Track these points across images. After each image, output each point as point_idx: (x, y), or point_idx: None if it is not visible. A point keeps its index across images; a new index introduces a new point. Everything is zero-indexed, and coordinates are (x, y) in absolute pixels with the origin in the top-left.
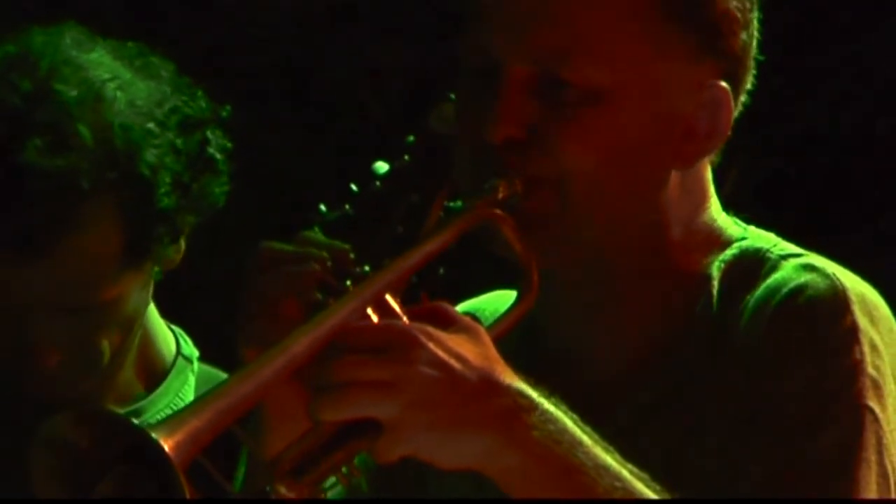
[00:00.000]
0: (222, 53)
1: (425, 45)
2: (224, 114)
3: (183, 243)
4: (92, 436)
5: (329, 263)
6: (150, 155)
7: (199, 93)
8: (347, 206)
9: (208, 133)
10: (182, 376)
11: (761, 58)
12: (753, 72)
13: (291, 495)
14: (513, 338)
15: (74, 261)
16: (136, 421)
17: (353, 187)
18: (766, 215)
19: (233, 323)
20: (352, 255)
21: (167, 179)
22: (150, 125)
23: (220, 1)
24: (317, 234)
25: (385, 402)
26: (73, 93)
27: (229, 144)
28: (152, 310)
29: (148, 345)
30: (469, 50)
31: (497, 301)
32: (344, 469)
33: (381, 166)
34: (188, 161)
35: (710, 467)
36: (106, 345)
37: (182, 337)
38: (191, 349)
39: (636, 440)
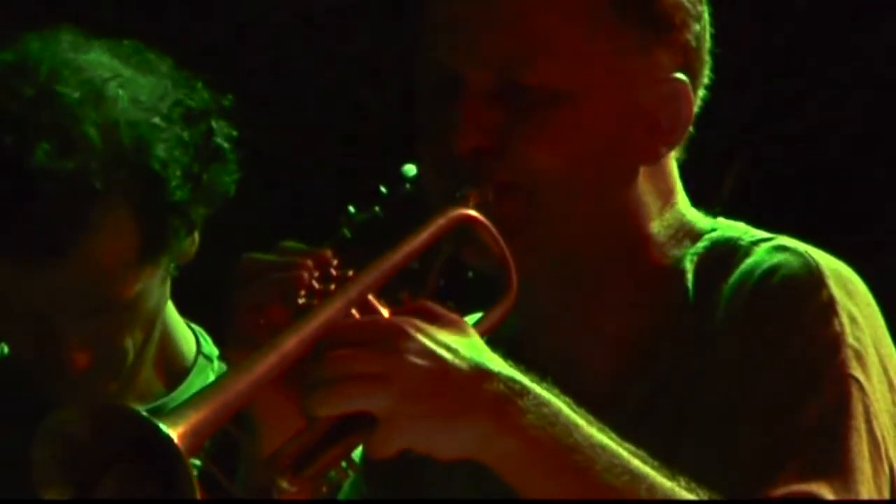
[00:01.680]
0: (222, 53)
1: None
2: (226, 103)
3: (197, 236)
4: (96, 427)
5: (314, 271)
6: (160, 149)
7: (200, 85)
8: (377, 208)
9: (213, 123)
10: (203, 375)
11: (717, 50)
12: (709, 65)
13: (293, 489)
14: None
15: (93, 261)
16: (144, 412)
17: (383, 189)
18: (765, 215)
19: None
20: (335, 262)
21: (178, 172)
22: (156, 120)
23: (219, 1)
24: (296, 244)
25: (377, 394)
26: (76, 94)
27: (234, 133)
28: (171, 309)
29: (168, 343)
30: (426, 64)
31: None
32: (343, 464)
33: (411, 169)
34: (196, 152)
35: (704, 458)
36: (130, 344)
37: (202, 336)
38: (211, 348)
39: (630, 440)
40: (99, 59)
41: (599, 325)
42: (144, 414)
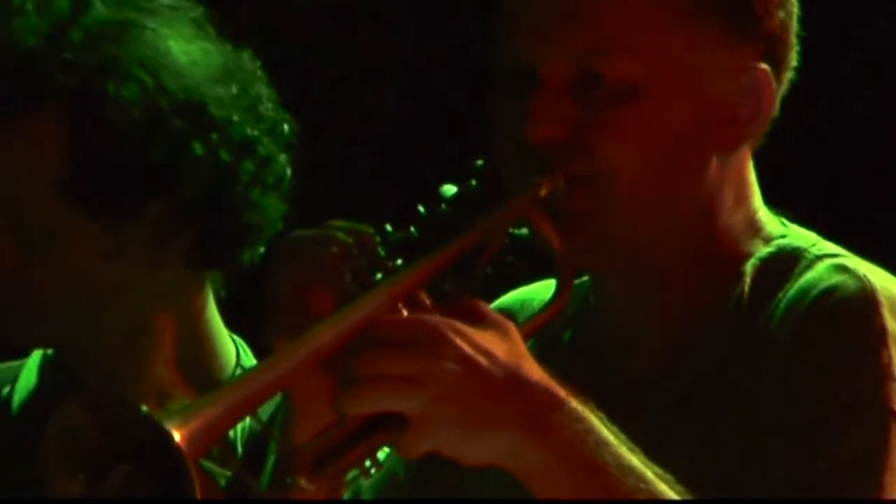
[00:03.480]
0: None
1: (424, 44)
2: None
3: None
4: (104, 423)
5: (353, 246)
6: None
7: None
8: (412, 228)
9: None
10: None
11: (803, 33)
12: (797, 48)
13: (311, 487)
14: (556, 329)
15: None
16: (146, 409)
17: (420, 209)
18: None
19: (251, 329)
20: (377, 239)
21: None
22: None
23: (218, 1)
24: (340, 222)
25: (410, 396)
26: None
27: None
28: (215, 318)
29: (206, 353)
30: (501, 52)
31: (545, 290)
32: (367, 462)
33: (449, 189)
34: None
35: (734, 466)
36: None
37: (242, 347)
38: (250, 359)
39: (668, 434)
40: None
41: (654, 316)
42: (145, 410)
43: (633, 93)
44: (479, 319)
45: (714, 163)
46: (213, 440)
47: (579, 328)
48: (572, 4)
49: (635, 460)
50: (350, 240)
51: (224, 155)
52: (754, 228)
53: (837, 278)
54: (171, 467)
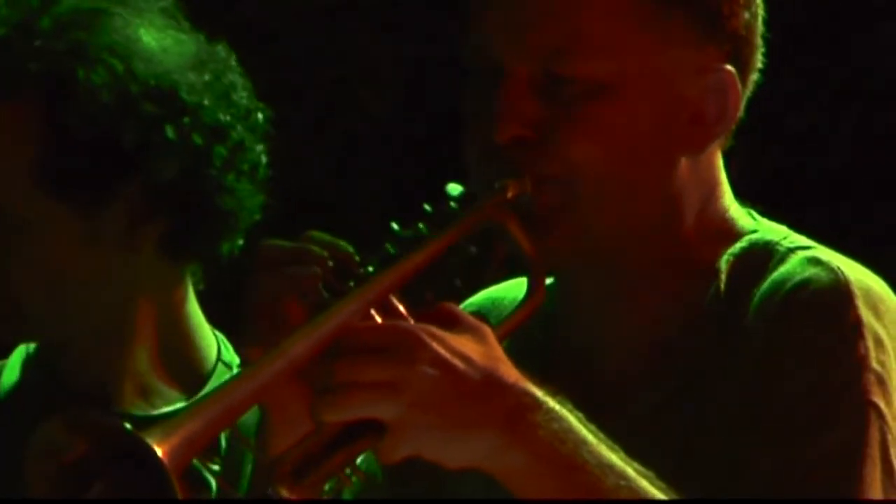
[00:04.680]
0: None
1: (424, 43)
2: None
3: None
4: (85, 440)
5: (331, 263)
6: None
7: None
8: (421, 226)
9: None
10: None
11: (768, 35)
12: (762, 49)
13: (293, 498)
14: (531, 331)
15: None
16: (129, 426)
17: (427, 207)
18: (765, 213)
19: (234, 325)
20: (357, 258)
21: None
22: None
23: (218, 0)
24: (321, 234)
25: (387, 402)
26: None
27: None
28: (196, 311)
29: (187, 346)
30: (470, 51)
31: (517, 289)
32: (347, 470)
33: (455, 187)
34: None
35: (717, 464)
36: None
37: (223, 343)
38: (231, 356)
39: (647, 437)
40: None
41: (629, 317)
42: (129, 427)
43: (598, 92)
44: (453, 323)
45: (681, 163)
46: (193, 454)
47: (553, 329)
48: (537, 4)
49: (615, 458)
50: (326, 254)
51: (196, 139)
52: (726, 226)
53: (811, 271)
54: (155, 483)
